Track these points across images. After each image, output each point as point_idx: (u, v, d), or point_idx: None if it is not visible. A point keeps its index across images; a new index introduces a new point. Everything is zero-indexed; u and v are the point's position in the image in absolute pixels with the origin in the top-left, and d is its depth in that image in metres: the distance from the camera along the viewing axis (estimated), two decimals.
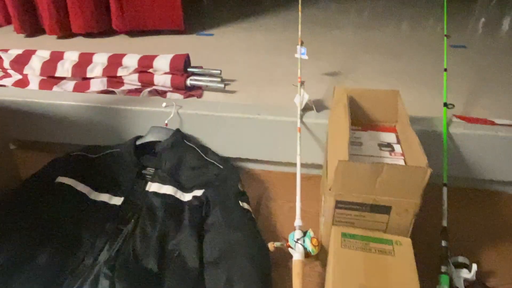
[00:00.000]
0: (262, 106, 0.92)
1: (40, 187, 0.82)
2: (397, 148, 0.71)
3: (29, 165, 0.89)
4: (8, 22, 1.50)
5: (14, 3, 1.40)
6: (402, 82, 1.12)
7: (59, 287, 0.65)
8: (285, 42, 1.43)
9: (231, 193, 0.79)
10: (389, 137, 0.75)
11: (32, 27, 1.48)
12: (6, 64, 1.12)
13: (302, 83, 0.89)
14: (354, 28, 1.62)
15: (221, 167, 0.85)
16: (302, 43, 0.94)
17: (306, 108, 0.89)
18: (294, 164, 0.76)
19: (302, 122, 0.87)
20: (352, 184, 0.60)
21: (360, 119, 0.79)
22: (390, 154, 0.69)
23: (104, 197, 0.83)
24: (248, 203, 0.79)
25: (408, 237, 0.61)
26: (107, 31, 1.48)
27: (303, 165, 0.76)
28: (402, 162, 0.67)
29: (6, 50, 1.20)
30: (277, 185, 0.93)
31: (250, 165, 0.98)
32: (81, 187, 0.84)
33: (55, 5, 1.38)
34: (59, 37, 1.49)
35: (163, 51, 1.14)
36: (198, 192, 0.81)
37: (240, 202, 0.77)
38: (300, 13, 1.01)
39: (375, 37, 1.50)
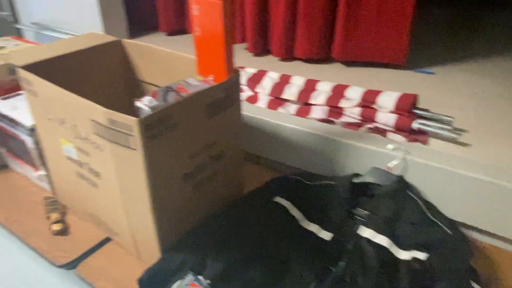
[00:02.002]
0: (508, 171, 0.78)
1: (258, 203, 0.87)
2: None
3: (247, 177, 0.96)
4: (243, 40, 1.70)
5: (252, 26, 1.57)
6: None
7: None
8: None
9: (462, 269, 0.68)
10: None
11: (261, 48, 1.64)
12: (243, 81, 1.26)
13: None
14: None
15: (449, 232, 0.75)
16: None
17: None
18: None
19: None
20: None
21: None
22: None
23: (314, 228, 0.83)
24: (480, 285, 0.66)
25: None
26: (324, 58, 1.53)
27: None
28: None
29: (243, 68, 1.35)
30: (509, 270, 0.76)
31: (476, 235, 0.84)
32: (294, 212, 0.85)
33: (286, 32, 1.50)
34: (281, 59, 1.61)
35: (379, 85, 1.10)
36: (420, 255, 0.72)
37: (471, 282, 0.66)
38: None
39: None
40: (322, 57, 1.52)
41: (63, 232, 0.88)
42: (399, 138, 0.98)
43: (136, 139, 0.62)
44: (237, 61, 1.49)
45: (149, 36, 2.04)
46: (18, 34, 2.31)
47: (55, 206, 0.95)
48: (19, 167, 1.08)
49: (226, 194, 0.88)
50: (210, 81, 0.76)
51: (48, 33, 2.04)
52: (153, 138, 0.63)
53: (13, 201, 1.00)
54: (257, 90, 1.22)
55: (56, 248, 0.84)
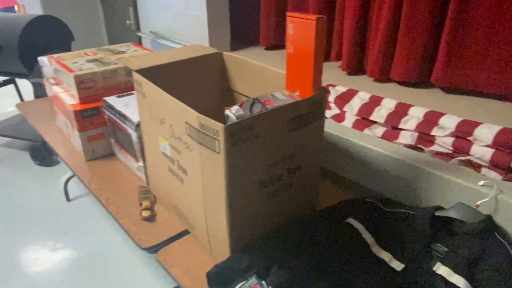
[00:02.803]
0: None
1: (331, 221, 0.87)
2: None
3: (322, 192, 0.97)
4: (338, 59, 1.71)
5: (349, 45, 1.57)
6: None
7: None
8: None
9: None
10: None
11: (355, 67, 1.63)
12: (331, 98, 1.26)
13: None
14: None
15: None
16: None
17: None
18: None
19: None
20: None
21: None
22: None
23: (385, 256, 0.80)
24: None
25: None
26: (422, 82, 1.46)
27: None
28: None
29: (333, 85, 1.35)
30: None
31: None
32: (366, 236, 0.84)
33: (383, 52, 1.47)
34: (375, 80, 1.58)
35: (479, 116, 1.02)
36: None
37: None
38: None
39: None
40: (420, 81, 1.45)
41: (151, 218, 0.98)
42: (493, 175, 0.90)
43: (221, 143, 0.67)
44: (329, 79, 1.50)
45: (249, 49, 2.16)
46: (138, 40, 2.63)
47: (147, 195, 1.07)
48: (123, 157, 1.24)
49: (299, 206, 0.90)
50: (296, 96, 0.80)
51: (162, 41, 2.28)
52: (236, 144, 0.68)
53: (114, 185, 1.14)
54: (344, 109, 1.22)
55: (142, 232, 0.94)
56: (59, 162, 2.30)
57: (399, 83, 1.52)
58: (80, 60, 1.36)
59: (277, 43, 2.10)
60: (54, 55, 1.43)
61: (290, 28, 0.79)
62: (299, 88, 0.83)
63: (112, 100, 1.19)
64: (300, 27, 0.77)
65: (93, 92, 1.26)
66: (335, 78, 1.63)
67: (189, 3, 2.03)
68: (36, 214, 1.81)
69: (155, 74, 0.95)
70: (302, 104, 0.77)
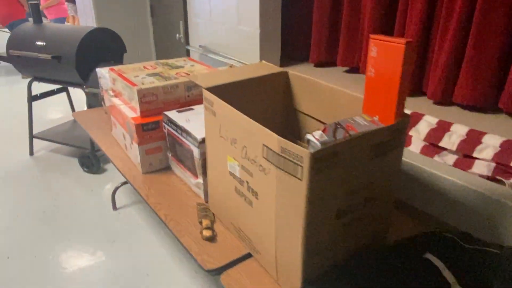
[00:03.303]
0: None
1: (408, 256, 0.81)
2: None
3: (393, 223, 0.92)
4: None
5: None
6: None
7: None
8: None
9: None
10: None
11: (415, 89, 1.57)
12: None
13: None
14: None
15: None
16: None
17: None
18: None
19: None
20: None
21: None
22: None
23: None
24: None
25: None
26: (488, 107, 1.38)
27: None
28: None
29: None
30: None
31: None
32: (447, 274, 0.78)
33: (447, 74, 1.40)
34: (435, 103, 1.51)
35: None
36: None
37: None
38: None
39: None
40: (486, 105, 1.38)
41: (212, 239, 0.96)
42: None
43: (304, 170, 0.65)
44: None
45: (298, 66, 2.14)
46: (187, 54, 2.67)
47: (206, 213, 1.05)
48: (180, 172, 1.23)
49: (371, 237, 0.85)
50: (378, 122, 0.76)
51: (212, 55, 2.30)
52: (320, 172, 0.65)
53: (172, 200, 1.13)
54: (410, 133, 1.16)
55: (204, 252, 0.92)
56: (105, 170, 2.35)
57: (462, 106, 1.45)
58: (140, 74, 1.38)
59: (328, 60, 2.07)
60: (115, 68, 1.46)
61: (373, 51, 0.76)
62: (378, 113, 0.79)
63: (173, 114, 1.19)
64: (386, 50, 0.73)
65: (154, 106, 1.27)
66: None
67: (242, 18, 2.04)
68: (83, 221, 1.84)
69: (221, 92, 0.94)
70: (386, 131, 0.73)
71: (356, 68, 1.94)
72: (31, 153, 2.56)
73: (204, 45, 2.43)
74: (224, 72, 1.04)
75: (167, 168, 1.31)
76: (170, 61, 1.58)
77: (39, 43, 2.21)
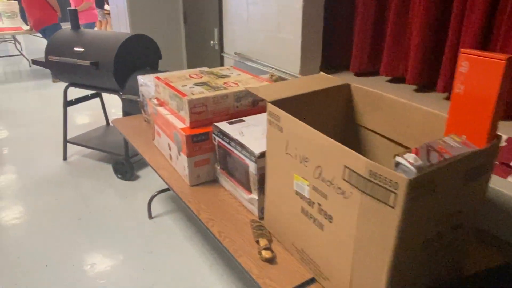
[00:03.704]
0: None
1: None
2: None
3: (472, 253, 0.85)
4: (445, 90, 1.59)
5: None
6: None
7: None
8: None
9: None
10: None
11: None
12: None
13: None
14: None
15: None
16: None
17: None
18: None
19: None
20: None
21: None
22: None
23: None
24: None
25: None
26: None
27: None
28: None
29: None
30: None
31: None
32: None
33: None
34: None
35: None
36: None
37: None
38: None
39: None
40: None
41: (271, 260, 0.91)
42: None
43: (399, 197, 0.59)
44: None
45: (337, 74, 2.08)
46: (220, 61, 2.65)
47: (262, 231, 1.00)
48: (230, 185, 1.19)
49: (451, 266, 0.79)
50: (470, 143, 0.70)
51: (249, 63, 2.27)
52: (415, 199, 0.60)
53: (223, 216, 1.09)
54: None
55: (265, 275, 0.87)
56: (139, 177, 2.33)
57: None
58: (188, 83, 1.35)
59: (369, 69, 2.01)
60: (161, 76, 1.43)
61: (464, 67, 0.70)
62: (465, 133, 0.73)
63: (224, 126, 1.15)
64: (481, 66, 0.68)
65: (203, 116, 1.23)
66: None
67: (282, 26, 2.00)
68: (120, 229, 1.82)
69: (283, 105, 0.90)
70: (480, 154, 0.67)
71: (400, 78, 1.87)
72: (65, 158, 2.57)
73: (239, 52, 2.40)
74: (284, 84, 1.00)
75: (214, 181, 1.27)
76: (214, 70, 1.54)
77: (77, 49, 2.21)
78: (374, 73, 2.04)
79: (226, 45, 2.54)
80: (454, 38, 1.52)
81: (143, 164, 2.48)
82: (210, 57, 2.81)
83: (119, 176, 2.31)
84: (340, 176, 0.69)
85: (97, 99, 2.78)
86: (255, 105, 1.33)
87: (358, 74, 2.06)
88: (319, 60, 2.04)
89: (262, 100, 1.34)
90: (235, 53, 2.42)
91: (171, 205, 2.02)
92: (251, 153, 1.01)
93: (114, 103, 3.57)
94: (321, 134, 0.72)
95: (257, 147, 1.01)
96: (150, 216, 1.93)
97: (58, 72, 2.36)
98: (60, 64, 2.27)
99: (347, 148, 0.67)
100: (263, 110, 1.35)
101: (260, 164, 1.00)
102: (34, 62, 2.50)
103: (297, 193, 0.84)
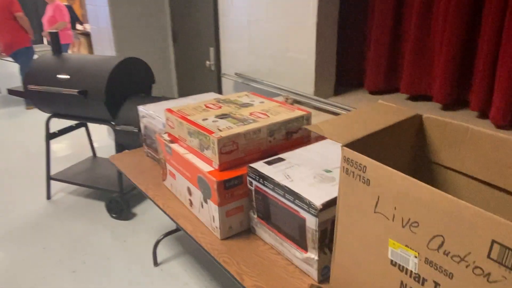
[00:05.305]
0: None
1: None
2: None
3: None
4: (480, 109, 1.46)
5: (505, 96, 1.32)
6: None
7: None
8: None
9: None
10: None
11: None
12: None
13: None
14: None
15: None
16: None
17: None
18: None
19: None
20: None
21: None
22: None
23: None
24: None
25: None
26: None
27: None
28: None
29: None
30: None
31: None
32: None
33: None
34: None
35: None
36: None
37: None
38: None
39: None
40: None
41: None
42: None
43: None
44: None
45: (351, 93, 1.94)
46: (217, 81, 2.46)
47: None
48: (272, 239, 0.99)
49: None
50: None
51: (253, 84, 2.09)
52: None
53: (273, 280, 0.89)
54: None
55: None
56: (135, 214, 2.09)
57: None
58: (209, 116, 1.15)
59: (385, 87, 1.88)
60: (174, 109, 1.23)
61: None
62: None
63: (262, 168, 0.96)
64: None
65: (234, 156, 1.04)
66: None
67: (292, 45, 1.84)
68: (122, 282, 1.57)
69: (356, 148, 0.72)
70: None
71: (423, 95, 1.74)
72: (49, 197, 2.29)
73: (240, 73, 2.22)
74: (346, 119, 0.82)
75: (248, 231, 1.07)
76: (231, 97, 1.36)
77: (62, 76, 1.98)
78: (391, 90, 1.91)
79: (224, 66, 2.36)
80: (490, 49, 1.40)
81: (139, 198, 2.24)
82: (204, 79, 2.62)
83: (114, 215, 2.06)
84: (481, 252, 0.51)
85: (82, 129, 2.53)
86: (289, 138, 1.15)
87: (373, 92, 1.92)
88: (334, 79, 1.89)
89: (297, 131, 1.15)
90: (236, 74, 2.24)
91: (178, 247, 1.79)
92: (309, 204, 0.82)
93: (98, 130, 3.31)
94: (449, 196, 0.54)
95: (316, 197, 0.82)
96: (156, 263, 1.69)
97: (39, 102, 2.10)
98: (42, 94, 2.02)
99: (495, 216, 0.49)
100: (297, 143, 1.17)
101: (322, 219, 0.81)
102: (11, 92, 2.24)
103: (394, 263, 0.65)
